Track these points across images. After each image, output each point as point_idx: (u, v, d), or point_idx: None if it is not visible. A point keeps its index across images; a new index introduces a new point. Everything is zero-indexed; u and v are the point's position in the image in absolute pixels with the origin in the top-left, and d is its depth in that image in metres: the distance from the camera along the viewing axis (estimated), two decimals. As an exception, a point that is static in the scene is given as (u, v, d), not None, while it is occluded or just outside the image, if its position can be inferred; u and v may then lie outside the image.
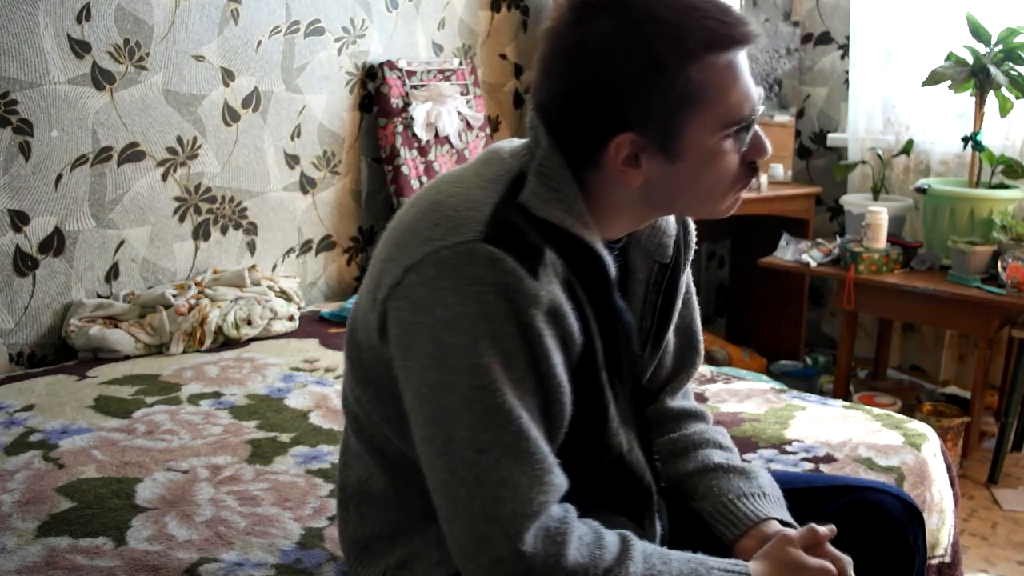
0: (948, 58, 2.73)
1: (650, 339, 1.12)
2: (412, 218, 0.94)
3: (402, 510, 1.05)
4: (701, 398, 1.92)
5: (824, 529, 0.99)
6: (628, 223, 1.03)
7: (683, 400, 1.25)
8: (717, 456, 1.16)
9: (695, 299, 1.23)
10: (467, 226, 0.89)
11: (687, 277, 1.18)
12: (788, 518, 1.09)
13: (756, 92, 0.95)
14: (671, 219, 1.11)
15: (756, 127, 0.97)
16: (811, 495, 1.18)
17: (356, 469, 1.09)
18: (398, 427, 0.99)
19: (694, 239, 1.17)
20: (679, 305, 1.16)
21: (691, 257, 1.17)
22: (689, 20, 0.90)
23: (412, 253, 0.90)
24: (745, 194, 1.02)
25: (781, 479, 1.18)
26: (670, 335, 1.18)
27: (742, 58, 0.94)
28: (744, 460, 1.19)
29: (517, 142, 1.02)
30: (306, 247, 2.77)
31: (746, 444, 1.65)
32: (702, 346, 1.24)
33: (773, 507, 1.09)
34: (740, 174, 0.97)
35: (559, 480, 0.89)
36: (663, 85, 0.90)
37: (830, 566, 0.96)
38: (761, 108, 0.98)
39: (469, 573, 0.87)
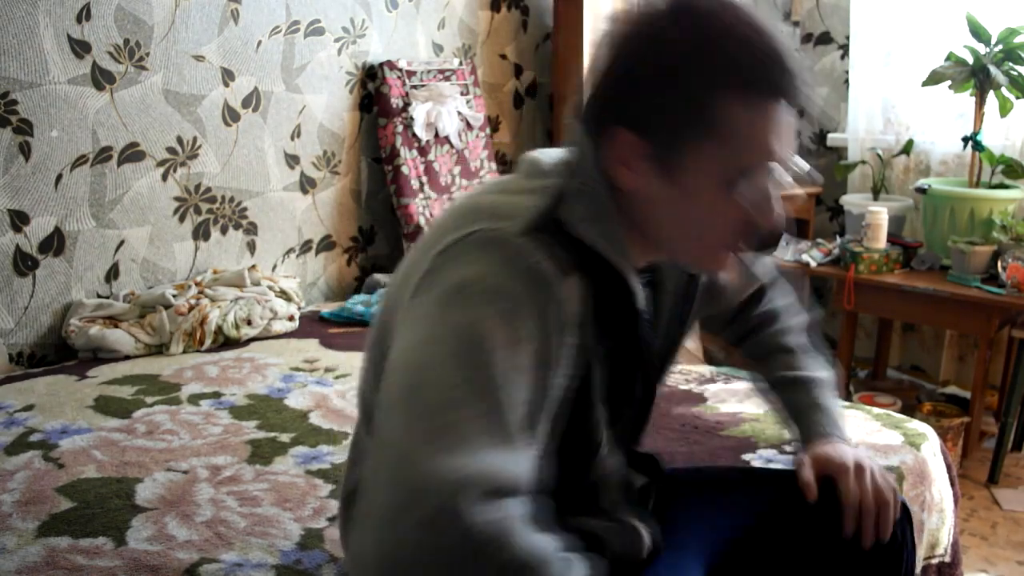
0: (948, 58, 2.72)
1: (672, 346, 1.14)
2: (450, 218, 0.93)
3: None
4: (700, 398, 1.92)
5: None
6: (638, 249, 0.96)
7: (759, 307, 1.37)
8: (779, 367, 1.31)
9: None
10: (505, 222, 0.87)
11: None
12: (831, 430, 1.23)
13: (787, 156, 0.90)
14: None
15: (772, 190, 0.90)
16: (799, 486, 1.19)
17: (364, 465, 1.09)
18: None
19: None
20: (696, 308, 1.15)
21: None
22: (736, 51, 0.85)
23: (446, 242, 0.88)
24: None
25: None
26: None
27: (784, 113, 0.89)
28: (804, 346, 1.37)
29: (553, 153, 0.98)
30: (306, 247, 2.77)
31: (746, 444, 1.65)
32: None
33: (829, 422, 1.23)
34: (736, 232, 0.91)
35: (524, 468, 0.78)
36: (682, 100, 0.86)
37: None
38: (787, 176, 0.91)
39: (384, 544, 0.71)
